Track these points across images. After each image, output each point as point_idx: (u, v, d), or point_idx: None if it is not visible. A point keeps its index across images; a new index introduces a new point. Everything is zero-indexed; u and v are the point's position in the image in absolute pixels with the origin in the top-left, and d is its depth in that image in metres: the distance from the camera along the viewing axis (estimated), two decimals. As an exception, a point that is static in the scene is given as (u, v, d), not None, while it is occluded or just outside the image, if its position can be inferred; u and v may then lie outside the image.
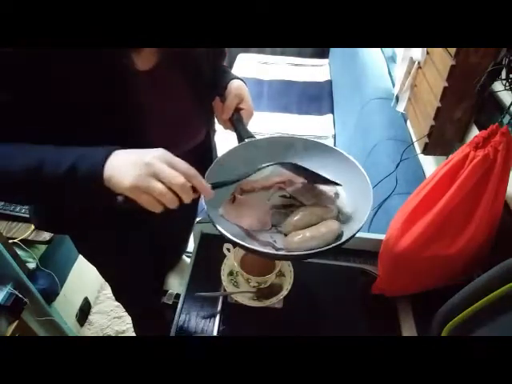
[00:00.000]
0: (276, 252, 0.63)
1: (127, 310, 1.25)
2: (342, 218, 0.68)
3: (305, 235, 0.62)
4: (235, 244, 0.60)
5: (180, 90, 0.73)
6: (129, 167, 0.53)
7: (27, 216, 1.23)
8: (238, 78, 0.83)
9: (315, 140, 0.75)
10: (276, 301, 0.78)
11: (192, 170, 0.56)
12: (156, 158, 0.54)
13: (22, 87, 0.57)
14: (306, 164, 0.70)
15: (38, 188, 0.58)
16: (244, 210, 0.69)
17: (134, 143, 0.66)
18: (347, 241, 0.60)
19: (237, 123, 0.77)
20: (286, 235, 0.65)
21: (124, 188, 0.53)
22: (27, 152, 0.57)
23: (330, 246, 0.59)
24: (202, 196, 0.62)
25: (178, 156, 0.77)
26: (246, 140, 0.74)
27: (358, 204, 0.68)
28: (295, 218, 0.66)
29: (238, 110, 0.78)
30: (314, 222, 0.65)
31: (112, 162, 0.54)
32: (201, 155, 0.85)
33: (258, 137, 0.76)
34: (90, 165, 0.54)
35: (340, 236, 0.63)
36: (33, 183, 0.57)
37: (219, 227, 0.60)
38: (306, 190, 0.71)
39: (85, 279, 1.64)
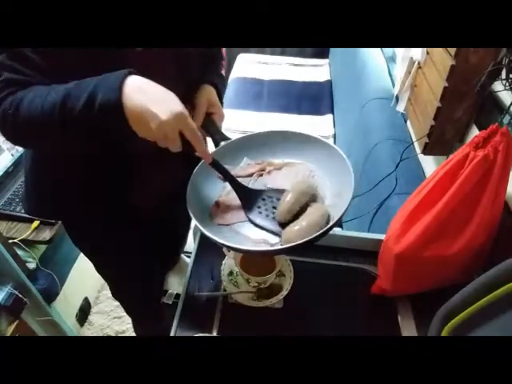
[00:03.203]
0: (274, 248, 0.63)
1: (127, 310, 1.25)
2: (328, 202, 0.68)
3: (302, 225, 0.62)
4: (237, 250, 0.61)
5: (169, 80, 0.72)
6: (169, 103, 0.56)
7: (27, 216, 1.23)
8: (206, 82, 0.81)
9: (293, 130, 0.76)
10: (276, 301, 0.78)
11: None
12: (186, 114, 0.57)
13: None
14: (282, 154, 0.74)
15: (64, 125, 0.58)
16: (235, 206, 0.70)
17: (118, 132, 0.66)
18: (338, 220, 0.60)
19: (210, 128, 0.76)
20: (281, 225, 0.65)
21: (159, 120, 0.54)
22: (57, 88, 0.58)
23: (325, 229, 0.59)
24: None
25: (163, 152, 0.78)
26: (222, 143, 0.74)
27: (340, 187, 0.68)
28: (287, 204, 0.65)
29: (208, 114, 0.77)
30: (304, 201, 0.65)
31: (145, 88, 0.56)
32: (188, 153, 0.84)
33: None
34: (109, 87, 0.55)
35: (329, 219, 0.63)
36: (60, 120, 0.57)
37: (222, 241, 0.60)
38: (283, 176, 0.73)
39: (85, 279, 1.64)
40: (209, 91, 0.79)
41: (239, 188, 0.69)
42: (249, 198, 0.69)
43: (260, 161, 0.76)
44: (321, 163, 0.73)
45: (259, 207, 0.69)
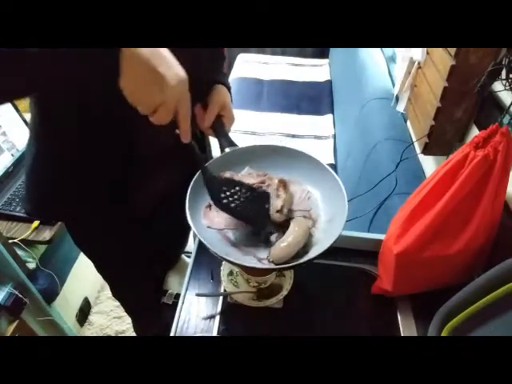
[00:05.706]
0: (271, 266, 0.62)
1: (127, 310, 1.25)
2: (320, 226, 0.68)
3: (288, 242, 0.62)
4: (224, 260, 0.60)
5: None
6: (176, 67, 0.50)
7: (27, 216, 1.23)
8: (220, 83, 0.80)
9: (298, 149, 0.75)
10: (276, 301, 0.78)
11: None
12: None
13: None
14: (283, 171, 0.73)
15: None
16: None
17: (123, 130, 0.64)
18: (328, 248, 0.60)
19: (218, 130, 0.75)
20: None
21: (166, 84, 0.48)
22: None
23: (316, 254, 0.59)
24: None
25: (166, 152, 0.75)
26: (227, 149, 0.74)
27: (334, 214, 0.68)
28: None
29: (219, 116, 0.76)
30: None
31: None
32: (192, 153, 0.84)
33: (255, 137, 0.75)
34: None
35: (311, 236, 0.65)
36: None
37: (210, 246, 0.60)
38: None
39: (85, 279, 1.64)
40: (222, 92, 0.78)
41: (208, 177, 0.66)
42: (216, 189, 0.66)
43: (262, 173, 0.75)
44: (320, 188, 0.73)
45: (225, 195, 0.66)
